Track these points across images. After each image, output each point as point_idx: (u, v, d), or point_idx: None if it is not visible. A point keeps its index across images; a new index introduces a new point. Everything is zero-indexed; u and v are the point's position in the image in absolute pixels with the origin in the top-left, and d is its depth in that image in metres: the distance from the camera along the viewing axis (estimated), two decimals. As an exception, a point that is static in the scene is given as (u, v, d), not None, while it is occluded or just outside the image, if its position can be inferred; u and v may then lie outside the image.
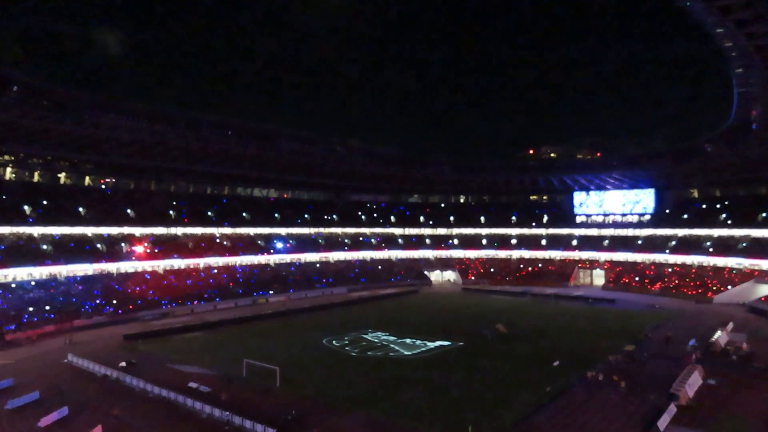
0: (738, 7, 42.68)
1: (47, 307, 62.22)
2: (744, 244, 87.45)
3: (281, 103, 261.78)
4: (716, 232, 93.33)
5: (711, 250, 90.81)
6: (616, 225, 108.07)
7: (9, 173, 78.11)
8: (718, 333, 50.28)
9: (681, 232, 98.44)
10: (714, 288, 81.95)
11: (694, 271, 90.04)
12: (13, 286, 64.82)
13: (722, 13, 43.81)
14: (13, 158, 77.18)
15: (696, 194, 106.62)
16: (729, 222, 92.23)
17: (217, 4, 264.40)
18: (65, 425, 31.16)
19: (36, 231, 73.15)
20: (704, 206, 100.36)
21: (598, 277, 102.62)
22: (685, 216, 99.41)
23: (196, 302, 75.22)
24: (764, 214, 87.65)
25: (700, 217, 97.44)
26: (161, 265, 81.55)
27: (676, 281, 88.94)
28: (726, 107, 70.71)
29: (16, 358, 47.39)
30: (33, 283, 66.90)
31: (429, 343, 51.83)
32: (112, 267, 76.31)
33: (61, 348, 50.62)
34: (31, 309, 60.69)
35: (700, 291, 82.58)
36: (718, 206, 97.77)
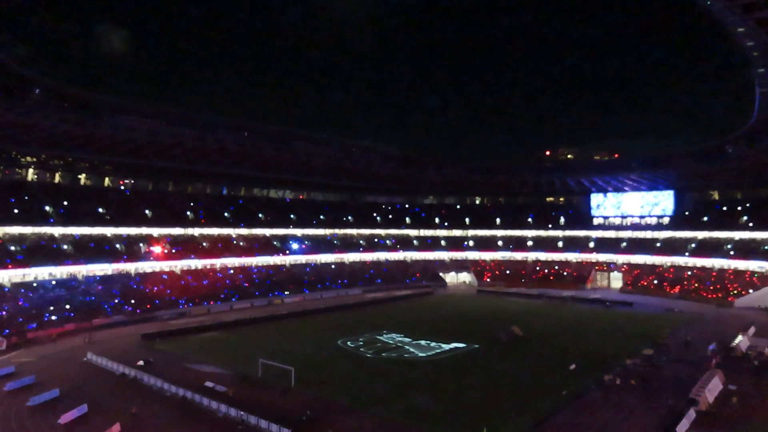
0: (760, 5, 41.95)
1: (67, 306, 63.27)
2: (766, 247, 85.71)
3: (297, 105, 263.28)
4: (737, 235, 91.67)
5: (732, 252, 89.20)
6: (634, 227, 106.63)
7: (31, 174, 79.64)
8: (739, 337, 49.38)
9: (701, 234, 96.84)
10: (735, 291, 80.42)
11: (714, 274, 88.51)
12: (35, 285, 66.04)
13: (744, 11, 43.11)
14: (35, 160, 78.74)
15: (716, 196, 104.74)
16: (750, 224, 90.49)
17: (233, 10, 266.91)
18: (85, 422, 31.63)
19: (57, 231, 74.44)
20: (725, 208, 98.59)
21: (616, 280, 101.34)
22: (705, 218, 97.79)
23: (212, 302, 75.88)
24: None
25: (720, 220, 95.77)
26: (178, 265, 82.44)
27: (696, 284, 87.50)
28: (747, 107, 69.47)
29: (38, 356, 48.24)
30: (54, 282, 68.09)
31: (444, 345, 51.66)
32: (130, 267, 77.36)
33: (81, 346, 51.41)
34: (51, 308, 61.74)
35: (720, 295, 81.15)
36: (739, 208, 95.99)
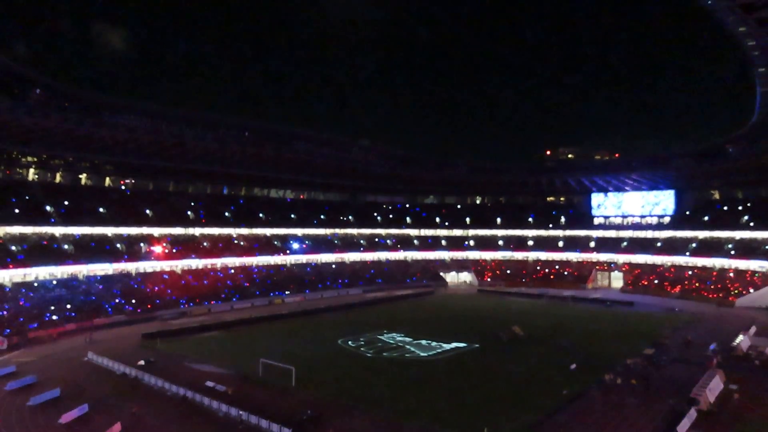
0: (761, 5, 41.93)
1: (68, 306, 63.28)
2: (767, 247, 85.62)
3: (298, 104, 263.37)
4: (738, 234, 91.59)
5: (733, 252, 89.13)
6: (634, 227, 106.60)
7: (32, 174, 79.66)
8: (740, 337, 49.39)
9: (701, 234, 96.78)
10: (736, 291, 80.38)
11: (715, 274, 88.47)
12: (36, 285, 66.06)
13: (744, 11, 43.09)
14: (35, 160, 78.75)
15: (717, 195, 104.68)
16: (751, 224, 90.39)
17: (234, 8, 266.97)
18: (85, 422, 31.65)
19: (58, 231, 74.47)
20: (726, 208, 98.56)
21: (617, 280, 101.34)
22: (706, 218, 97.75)
23: (213, 302, 75.90)
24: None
25: (721, 219, 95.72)
26: (179, 265, 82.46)
27: (697, 284, 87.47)
28: (749, 106, 69.46)
29: (38, 356, 48.27)
30: (55, 282, 68.11)
31: (444, 345, 51.68)
32: (131, 267, 77.37)
33: (82, 346, 51.41)
34: (52, 308, 61.76)
35: (721, 294, 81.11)
36: (740, 208, 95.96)
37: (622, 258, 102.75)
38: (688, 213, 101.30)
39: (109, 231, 79.67)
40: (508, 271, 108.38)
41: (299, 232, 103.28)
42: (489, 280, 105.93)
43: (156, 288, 75.03)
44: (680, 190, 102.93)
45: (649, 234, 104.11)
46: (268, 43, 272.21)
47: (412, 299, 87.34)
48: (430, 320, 66.26)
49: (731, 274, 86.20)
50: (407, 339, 54.73)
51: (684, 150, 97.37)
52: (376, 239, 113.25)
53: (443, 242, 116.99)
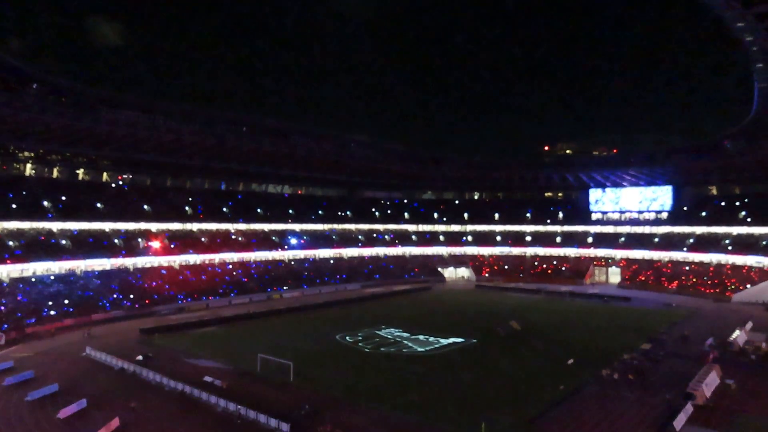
0: (759, 0, 41.93)
1: (66, 301, 63.22)
2: (764, 242, 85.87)
3: (295, 99, 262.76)
4: (735, 230, 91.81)
5: (730, 248, 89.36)
6: (632, 222, 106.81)
7: (29, 169, 79.46)
8: (737, 332, 49.53)
9: (699, 229, 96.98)
10: (732, 287, 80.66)
11: (712, 269, 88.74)
12: (33, 280, 65.99)
13: (743, 6, 43.08)
14: (33, 155, 78.51)
15: (715, 191, 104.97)
16: (748, 220, 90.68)
17: (232, 4, 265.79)
18: (84, 417, 31.67)
19: (55, 226, 74.31)
20: (723, 204, 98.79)
21: (614, 275, 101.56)
22: (704, 213, 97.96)
23: (211, 297, 75.87)
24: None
25: (718, 215, 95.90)
26: (177, 260, 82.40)
27: (694, 279, 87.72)
28: (746, 103, 69.53)
29: (36, 351, 48.25)
30: (52, 277, 68.03)
31: (442, 340, 51.78)
32: (128, 262, 77.22)
33: (80, 341, 51.42)
34: (50, 303, 61.71)
35: (718, 290, 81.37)
36: (737, 204, 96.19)
37: (619, 253, 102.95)
38: (685, 209, 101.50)
39: (107, 226, 79.50)
40: (506, 267, 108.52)
41: (297, 227, 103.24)
42: (487, 275, 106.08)
43: (154, 283, 74.97)
44: (678, 186, 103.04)
45: (646, 230, 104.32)
46: (268, 36, 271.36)
47: (409, 295, 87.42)
48: (427, 315, 66.36)
49: (728, 270, 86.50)
50: (405, 334, 54.83)
51: (682, 146, 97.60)
52: (374, 235, 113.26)
53: (441, 238, 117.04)
